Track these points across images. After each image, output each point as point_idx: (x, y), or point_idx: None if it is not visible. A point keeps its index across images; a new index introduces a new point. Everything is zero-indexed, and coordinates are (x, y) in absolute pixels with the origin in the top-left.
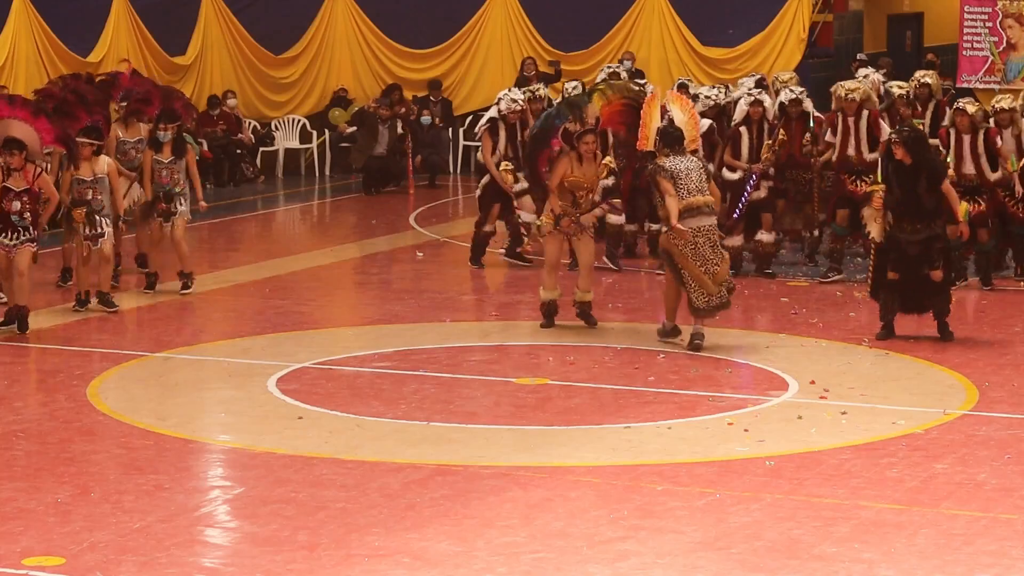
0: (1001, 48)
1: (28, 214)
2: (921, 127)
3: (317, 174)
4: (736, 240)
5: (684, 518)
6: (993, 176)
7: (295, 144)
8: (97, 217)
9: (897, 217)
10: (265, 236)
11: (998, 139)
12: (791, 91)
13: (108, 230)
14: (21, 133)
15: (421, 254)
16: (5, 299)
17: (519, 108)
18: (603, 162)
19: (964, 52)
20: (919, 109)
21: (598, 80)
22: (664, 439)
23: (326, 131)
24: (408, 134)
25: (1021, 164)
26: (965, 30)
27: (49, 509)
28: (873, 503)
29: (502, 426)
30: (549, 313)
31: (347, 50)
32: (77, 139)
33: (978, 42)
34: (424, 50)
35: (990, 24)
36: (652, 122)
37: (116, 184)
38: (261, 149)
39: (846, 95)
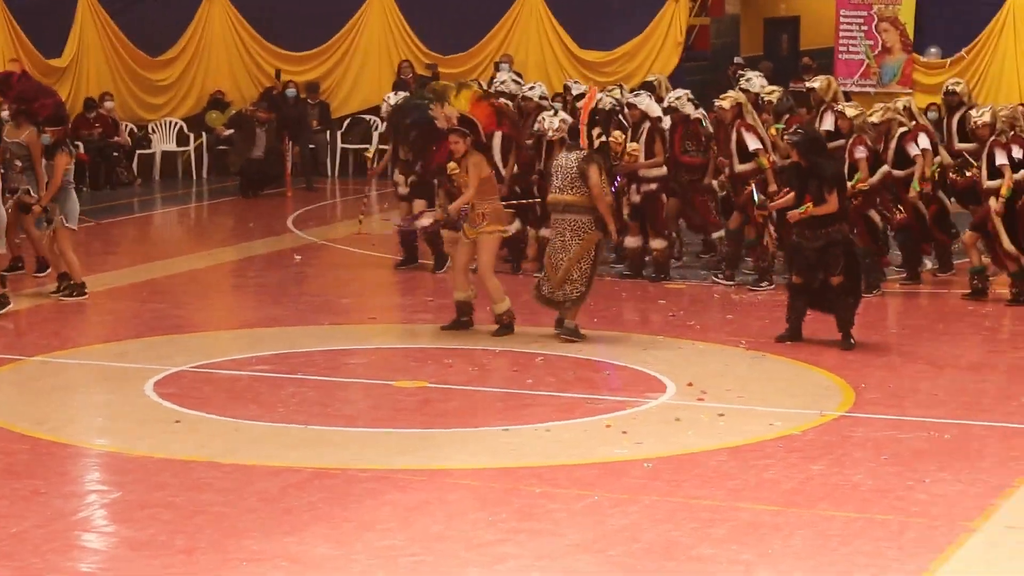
0: (876, 52)
1: None
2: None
3: (194, 177)
4: (635, 241)
5: (563, 520)
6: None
7: (172, 147)
8: None
9: (798, 222)
10: (142, 239)
11: (857, 150)
12: (667, 98)
13: None
14: None
15: (299, 257)
16: None
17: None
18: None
19: (840, 56)
20: (813, 112)
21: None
22: (542, 441)
23: (203, 134)
24: (284, 136)
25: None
26: (841, 34)
27: None
28: (750, 504)
29: (380, 429)
30: (462, 312)
31: (224, 52)
32: None
33: (854, 46)
34: (302, 52)
35: (866, 28)
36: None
37: None
38: (138, 152)
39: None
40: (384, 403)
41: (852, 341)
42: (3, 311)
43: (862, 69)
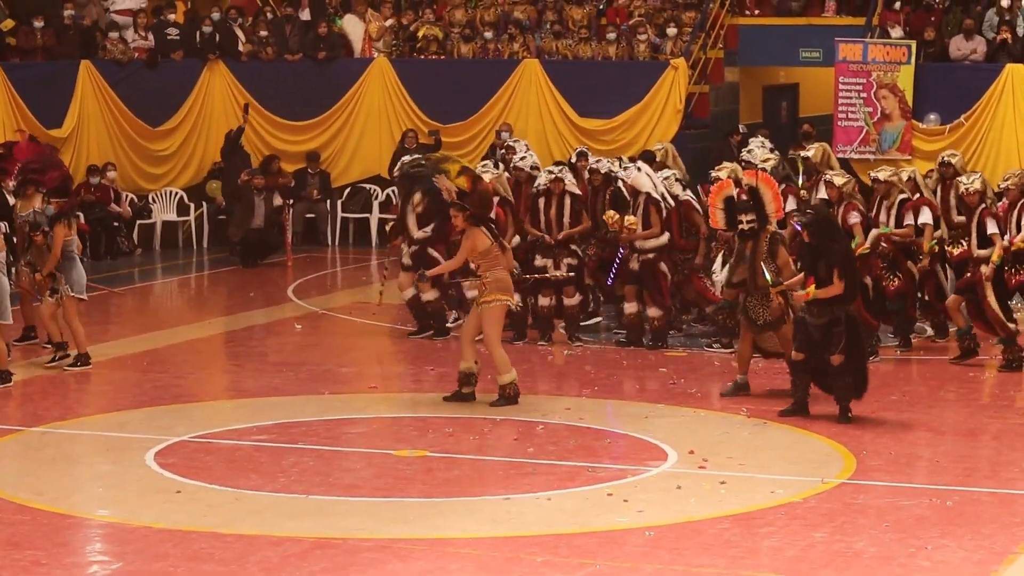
0: (876, 118)
1: None
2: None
3: (195, 247)
4: (632, 307)
5: None
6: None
7: (172, 217)
8: None
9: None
10: (142, 309)
11: (851, 216)
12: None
13: None
14: None
15: (300, 326)
16: None
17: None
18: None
19: (839, 123)
20: (811, 181)
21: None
22: (544, 510)
23: (204, 203)
24: (284, 205)
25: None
26: (840, 101)
27: None
28: (753, 572)
29: (382, 498)
30: (464, 384)
31: (224, 123)
32: None
33: (853, 112)
34: (302, 122)
35: (864, 95)
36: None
37: None
38: (138, 222)
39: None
40: (385, 472)
41: (850, 415)
42: (5, 385)
43: (861, 136)
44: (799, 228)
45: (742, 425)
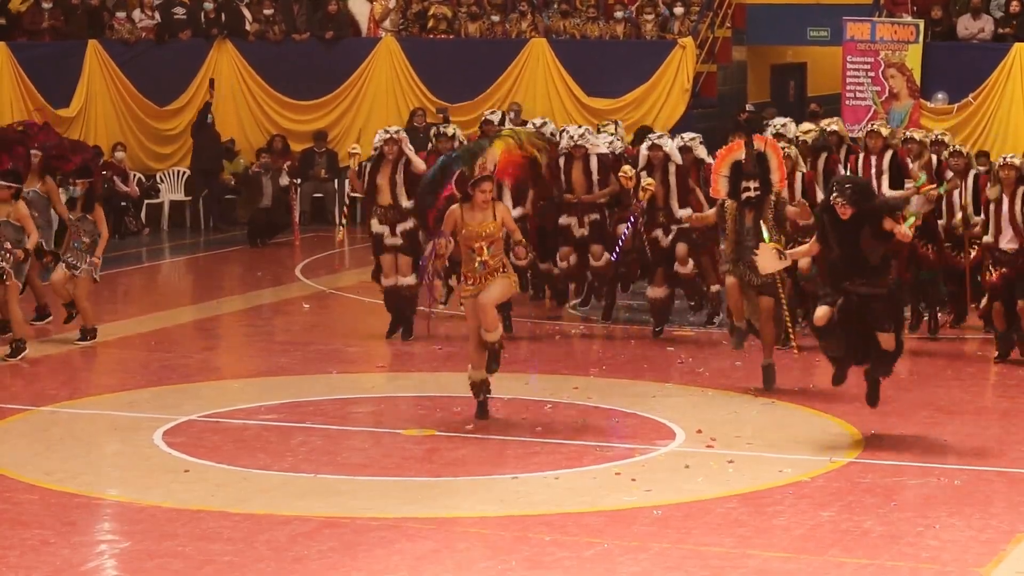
0: (883, 97)
1: None
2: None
3: (202, 226)
4: (661, 291)
5: (572, 568)
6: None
7: (180, 196)
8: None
9: (840, 276)
10: (150, 289)
11: (908, 160)
12: (681, 137)
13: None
14: None
15: (307, 306)
16: None
17: (388, 137)
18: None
19: (847, 102)
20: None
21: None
22: (552, 489)
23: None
24: (292, 185)
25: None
26: (848, 80)
27: None
28: (760, 552)
29: (389, 478)
30: (480, 393)
31: (232, 102)
32: None
33: (861, 92)
34: (309, 101)
35: (872, 74)
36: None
37: (29, 226)
38: (146, 202)
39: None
40: (393, 452)
41: (878, 396)
42: (19, 356)
43: (869, 115)
44: (839, 206)
45: (750, 404)
